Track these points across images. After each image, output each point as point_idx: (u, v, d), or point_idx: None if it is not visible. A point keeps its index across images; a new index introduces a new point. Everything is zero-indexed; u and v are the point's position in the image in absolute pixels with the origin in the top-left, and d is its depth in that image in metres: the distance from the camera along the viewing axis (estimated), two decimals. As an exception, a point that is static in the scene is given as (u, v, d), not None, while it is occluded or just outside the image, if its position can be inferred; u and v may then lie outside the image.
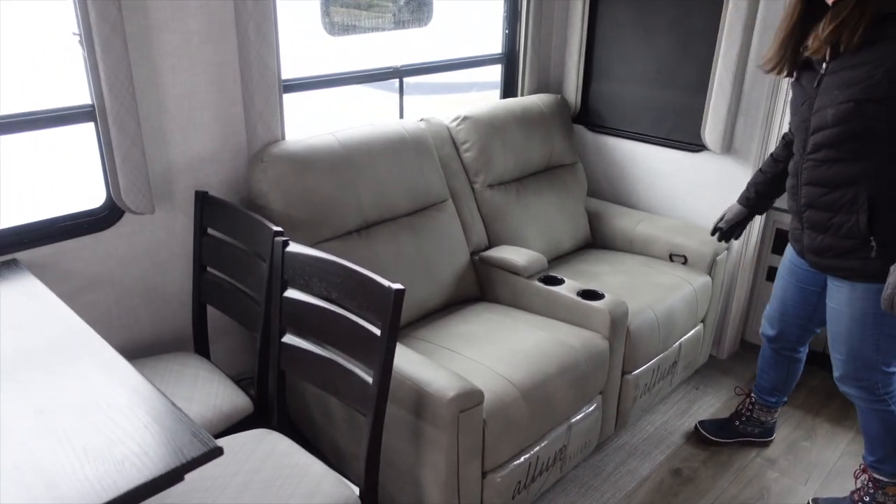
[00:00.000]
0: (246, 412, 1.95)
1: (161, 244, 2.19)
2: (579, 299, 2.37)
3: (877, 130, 1.76)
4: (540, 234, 2.87)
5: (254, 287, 1.99)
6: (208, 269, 2.18)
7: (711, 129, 2.83)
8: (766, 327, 2.43)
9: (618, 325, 2.34)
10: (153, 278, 2.20)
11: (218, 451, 1.18)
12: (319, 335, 1.75)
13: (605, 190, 3.33)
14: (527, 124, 2.93)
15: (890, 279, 1.80)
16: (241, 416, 1.93)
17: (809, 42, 1.84)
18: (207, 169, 2.24)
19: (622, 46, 3.10)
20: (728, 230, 2.41)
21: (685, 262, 2.85)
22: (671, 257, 2.88)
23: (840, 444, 2.62)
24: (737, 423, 2.61)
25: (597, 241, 3.12)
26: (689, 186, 3.06)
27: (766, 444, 2.60)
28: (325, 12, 5.16)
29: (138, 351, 2.20)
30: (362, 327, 1.62)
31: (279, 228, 1.88)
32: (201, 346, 2.25)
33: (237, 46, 2.19)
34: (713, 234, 2.45)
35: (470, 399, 1.81)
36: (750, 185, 2.36)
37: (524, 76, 3.18)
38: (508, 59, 3.21)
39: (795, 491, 2.39)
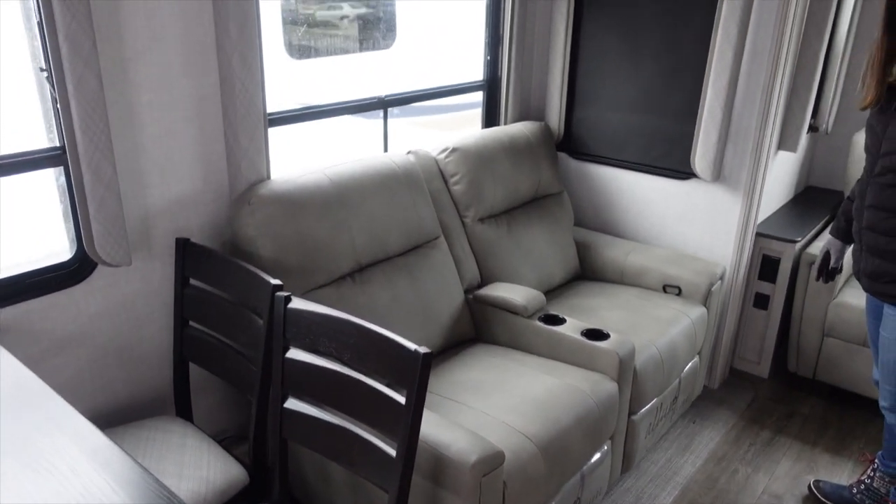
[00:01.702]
0: (242, 484, 1.77)
1: (138, 297, 1.99)
2: (585, 340, 2.27)
3: None
4: (532, 268, 2.77)
5: (247, 345, 1.81)
6: (191, 323, 1.99)
7: (701, 157, 2.79)
8: (881, 399, 2.19)
9: (626, 365, 2.25)
10: (129, 335, 2.00)
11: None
12: (330, 401, 1.59)
13: (590, 219, 3.26)
14: (514, 154, 2.84)
15: None
16: (236, 490, 1.75)
17: (895, 72, 1.82)
18: (188, 212, 2.06)
19: (606, 73, 3.05)
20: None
21: (679, 293, 2.79)
22: (665, 288, 2.82)
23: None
24: (854, 490, 2.38)
25: (586, 272, 3.04)
26: (678, 214, 3.01)
27: (774, 481, 2.55)
28: (287, 35, 4.98)
29: (114, 416, 1.99)
30: (383, 394, 1.47)
31: (278, 282, 1.71)
32: (183, 408, 2.05)
33: (219, 79, 2.02)
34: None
35: (492, 462, 1.68)
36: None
37: (507, 103, 3.09)
38: (490, 86, 3.11)
39: (805, 528, 2.35)
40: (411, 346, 1.43)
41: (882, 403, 2.13)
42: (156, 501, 1.08)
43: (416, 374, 1.41)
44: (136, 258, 1.93)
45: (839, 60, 3.32)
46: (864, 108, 1.98)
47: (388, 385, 1.50)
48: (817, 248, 3.02)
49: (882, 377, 2.09)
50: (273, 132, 2.17)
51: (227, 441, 2.06)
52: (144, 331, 2.03)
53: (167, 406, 2.09)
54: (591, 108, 3.14)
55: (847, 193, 2.29)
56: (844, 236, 2.27)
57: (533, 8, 3.08)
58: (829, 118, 3.47)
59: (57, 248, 1.93)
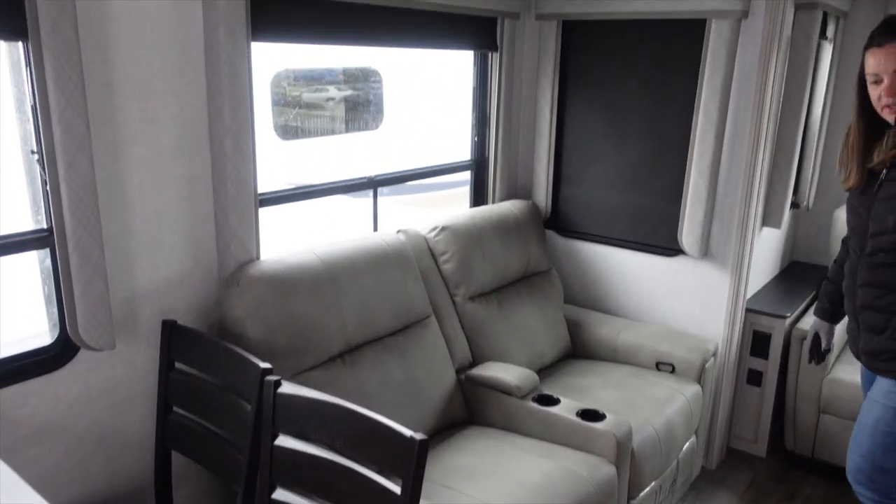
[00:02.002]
0: (226, 583, 1.66)
1: (120, 382, 1.92)
2: (581, 421, 2.22)
3: None
4: (523, 346, 2.74)
5: (234, 432, 1.74)
6: (175, 409, 1.92)
7: (688, 234, 2.82)
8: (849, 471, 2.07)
9: (624, 447, 2.19)
10: (110, 422, 1.92)
11: None
12: (321, 492, 1.52)
13: (579, 296, 3.25)
14: (503, 232, 2.85)
15: None
16: (219, 589, 1.64)
17: (874, 157, 1.85)
18: (175, 293, 2.02)
19: (592, 152, 3.11)
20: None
21: (673, 370, 2.76)
22: (658, 366, 2.79)
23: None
24: None
25: (578, 350, 3.01)
26: (666, 291, 3.02)
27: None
28: (275, 118, 5.07)
29: (90, 509, 1.88)
30: (377, 483, 1.41)
31: (267, 365, 1.66)
32: (164, 498, 1.95)
33: (211, 160, 2.03)
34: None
35: (492, 555, 1.60)
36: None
37: (495, 182, 3.13)
38: (478, 166, 3.16)
39: None
40: (407, 432, 1.38)
41: (849, 469, 2.00)
42: None
43: (412, 462, 1.35)
44: (120, 341, 1.88)
45: (816, 140, 3.42)
46: (847, 189, 2.01)
47: (381, 473, 1.44)
48: (807, 323, 3.02)
49: (853, 439, 1.99)
50: (263, 211, 2.17)
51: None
52: (126, 417, 1.95)
53: (147, 497, 1.98)
54: (577, 186, 3.19)
55: (827, 272, 2.29)
56: (831, 318, 2.26)
57: (518, 90, 3.17)
58: (809, 195, 3.55)
59: (31, 332, 1.88)
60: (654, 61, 2.89)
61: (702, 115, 2.70)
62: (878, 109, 1.81)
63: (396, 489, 1.38)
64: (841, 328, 2.25)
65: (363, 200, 2.83)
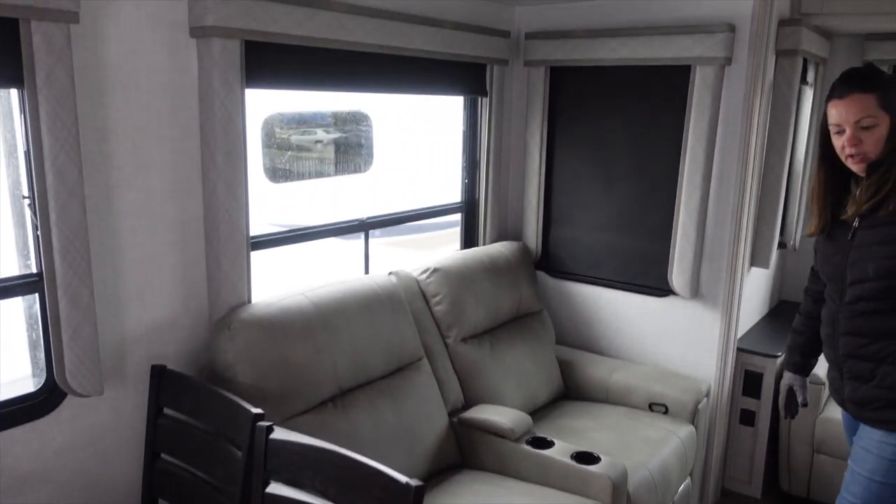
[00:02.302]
0: None
1: (107, 429, 1.89)
2: (575, 464, 2.20)
3: None
4: (516, 388, 2.72)
5: (224, 479, 1.71)
6: (163, 456, 1.88)
7: (679, 275, 2.84)
8: None
9: (619, 490, 2.16)
10: (95, 470, 1.88)
11: None
12: (314, 541, 1.49)
13: (570, 336, 3.25)
14: (495, 273, 2.86)
15: None
16: None
17: (847, 209, 1.86)
18: (164, 338, 2.00)
19: (581, 194, 3.14)
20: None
21: (666, 411, 2.75)
22: (651, 407, 2.78)
23: None
24: None
25: (570, 391, 2.99)
26: (658, 331, 3.02)
27: None
28: (266, 161, 5.11)
29: (72, 563, 1.83)
30: (371, 532, 1.38)
31: (259, 411, 1.64)
32: (150, 549, 1.90)
33: (203, 204, 2.04)
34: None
35: None
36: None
37: (486, 224, 3.15)
38: (469, 208, 3.18)
39: None
40: (402, 478, 1.36)
41: None
42: None
43: (407, 509, 1.33)
44: (108, 386, 1.85)
45: (800, 181, 3.48)
46: (810, 235, 2.03)
47: (376, 522, 1.42)
48: (798, 362, 3.03)
49: (844, 488, 1.96)
50: (255, 254, 2.17)
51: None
52: (112, 465, 1.91)
53: (132, 549, 1.93)
54: (567, 227, 3.21)
55: (793, 325, 2.26)
56: (803, 370, 2.23)
57: (508, 134, 3.22)
58: (795, 235, 3.59)
59: (11, 377, 1.85)
60: (641, 105, 2.95)
61: (689, 157, 2.74)
62: (843, 159, 1.84)
63: (391, 538, 1.35)
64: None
65: (355, 242, 2.84)
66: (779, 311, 3.66)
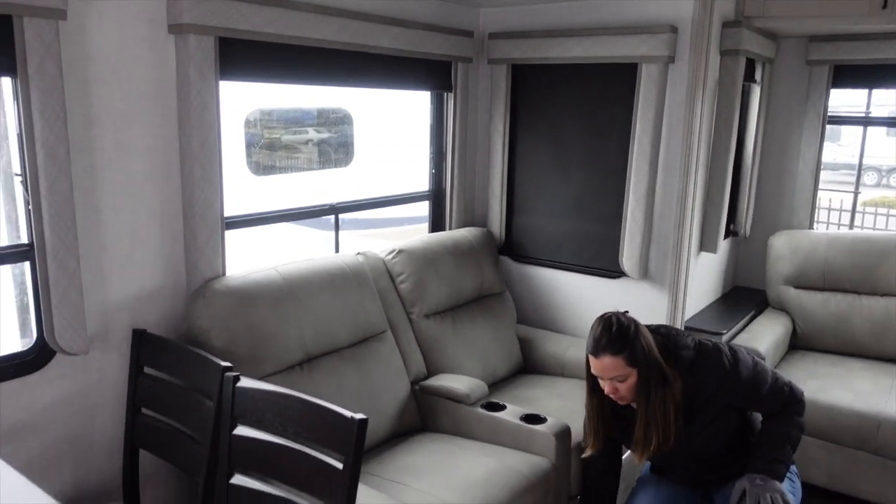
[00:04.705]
0: (186, 567, 1.80)
1: (92, 387, 2.08)
2: (523, 424, 2.40)
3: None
4: (476, 361, 2.92)
5: (196, 427, 1.90)
6: (143, 410, 2.08)
7: (628, 258, 3.05)
8: None
9: (562, 446, 2.36)
10: (81, 424, 2.07)
11: None
12: (274, 473, 1.68)
13: (531, 317, 3.46)
14: (458, 256, 3.06)
15: None
16: (180, 572, 1.78)
17: (645, 448, 2.02)
18: (145, 307, 2.19)
19: (541, 182, 3.36)
20: None
21: (616, 383, 2.95)
22: (602, 379, 2.98)
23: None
24: None
25: (529, 366, 3.20)
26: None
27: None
28: (249, 155, 5.31)
29: (60, 506, 2.01)
30: (323, 462, 1.58)
31: (228, 364, 1.84)
32: (131, 496, 2.09)
33: (181, 185, 2.23)
34: None
35: (429, 533, 1.76)
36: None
37: (452, 211, 3.35)
38: (436, 196, 3.39)
39: None
40: (347, 413, 1.56)
41: None
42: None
43: (352, 439, 1.53)
44: (93, 349, 2.05)
45: (749, 173, 3.71)
46: (586, 458, 2.20)
47: (327, 455, 1.61)
48: (742, 339, 3.25)
49: None
50: (232, 241, 2.36)
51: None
52: (97, 419, 2.10)
53: (114, 495, 2.12)
54: (529, 215, 3.42)
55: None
56: None
57: (473, 126, 3.43)
58: (746, 224, 3.81)
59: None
60: (594, 99, 3.17)
61: (637, 147, 2.96)
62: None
63: (339, 465, 1.55)
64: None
65: (329, 233, 3.04)
66: (731, 296, 3.88)
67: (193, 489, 2.01)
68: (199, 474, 1.86)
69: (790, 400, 2.07)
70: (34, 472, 1.97)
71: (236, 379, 1.76)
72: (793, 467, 2.15)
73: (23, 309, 2.11)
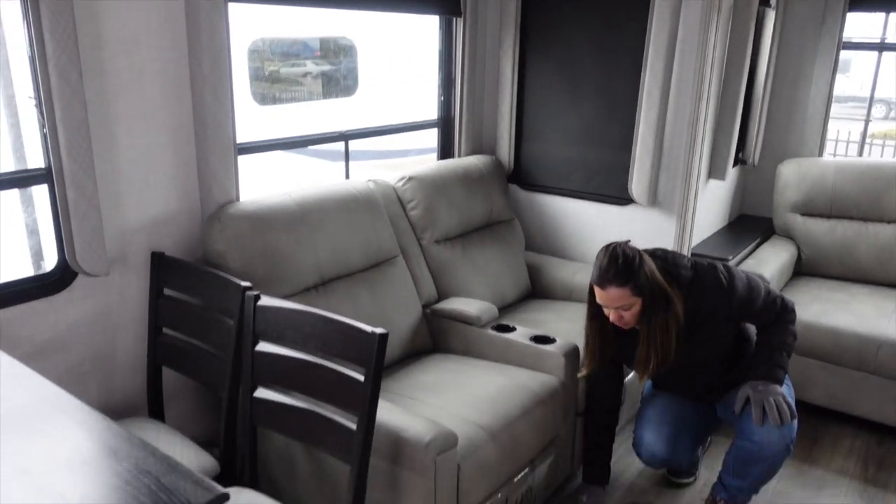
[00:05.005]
0: (213, 473, 1.90)
1: (114, 307, 2.14)
2: (533, 344, 2.47)
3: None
4: (486, 286, 2.97)
5: (218, 345, 1.96)
6: (164, 330, 2.14)
7: (637, 184, 3.06)
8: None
9: (570, 365, 2.44)
10: (105, 343, 2.13)
11: (224, 497, 1.17)
12: (296, 386, 1.75)
13: (539, 244, 3.49)
14: (468, 183, 3.07)
15: None
16: (208, 477, 1.87)
17: (646, 368, 2.13)
18: (161, 231, 2.23)
19: (550, 110, 3.33)
20: None
21: (622, 307, 3.01)
22: (609, 304, 3.04)
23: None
24: None
25: (537, 291, 3.26)
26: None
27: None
28: (253, 84, 5.25)
29: (90, 420, 2.10)
30: (344, 374, 1.64)
31: (248, 283, 1.88)
32: (156, 411, 2.18)
33: (192, 110, 2.23)
34: None
35: (446, 442, 1.84)
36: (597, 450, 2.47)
37: (460, 139, 3.34)
38: (444, 124, 3.37)
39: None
40: (368, 328, 1.61)
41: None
42: (160, 464, 1.22)
43: (373, 352, 1.58)
44: (113, 271, 2.09)
45: (760, 101, 3.67)
46: (583, 377, 2.34)
47: (348, 367, 1.67)
48: (748, 265, 3.29)
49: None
50: (243, 170, 2.37)
51: (201, 444, 2.17)
52: (119, 339, 2.16)
53: (139, 410, 2.21)
54: (537, 142, 3.41)
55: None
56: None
57: (482, 53, 3.38)
58: (755, 152, 3.80)
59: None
60: (606, 23, 3.11)
61: (648, 72, 2.92)
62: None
63: (361, 377, 1.61)
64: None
65: (335, 164, 3.05)
66: (738, 224, 3.91)
67: (217, 403, 2.09)
68: (223, 389, 1.93)
69: (782, 310, 2.18)
70: (61, 385, 2.05)
71: (257, 298, 1.80)
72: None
73: (31, 235, 2.14)
